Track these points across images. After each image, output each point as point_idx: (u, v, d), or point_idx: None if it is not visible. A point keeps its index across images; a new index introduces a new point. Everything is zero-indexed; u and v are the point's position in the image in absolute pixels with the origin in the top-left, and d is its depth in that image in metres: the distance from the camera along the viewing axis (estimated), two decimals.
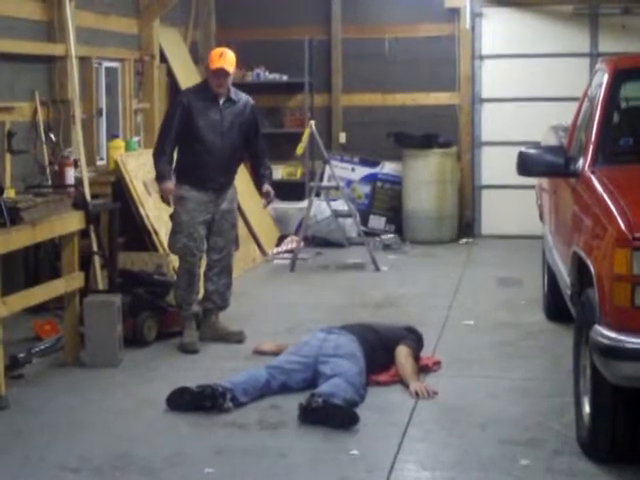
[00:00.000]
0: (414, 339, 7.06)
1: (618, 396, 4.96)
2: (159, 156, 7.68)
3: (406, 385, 6.53)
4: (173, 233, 7.80)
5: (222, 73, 7.64)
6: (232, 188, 7.93)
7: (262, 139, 8.03)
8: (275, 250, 11.71)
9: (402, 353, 6.78)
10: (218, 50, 7.83)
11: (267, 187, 7.95)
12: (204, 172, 7.66)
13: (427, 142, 12.45)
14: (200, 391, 6.13)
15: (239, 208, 9.09)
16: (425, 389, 6.42)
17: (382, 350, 6.83)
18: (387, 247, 11.99)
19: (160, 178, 7.69)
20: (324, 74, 13.27)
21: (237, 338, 7.79)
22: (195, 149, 7.66)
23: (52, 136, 8.96)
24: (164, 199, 7.75)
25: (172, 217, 7.85)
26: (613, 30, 12.33)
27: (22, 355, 7.12)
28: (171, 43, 11.93)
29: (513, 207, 12.39)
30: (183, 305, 7.77)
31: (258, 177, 8.12)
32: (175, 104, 7.85)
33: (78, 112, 9.00)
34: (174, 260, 8.83)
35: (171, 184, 7.64)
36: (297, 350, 6.72)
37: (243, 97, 7.91)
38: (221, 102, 7.73)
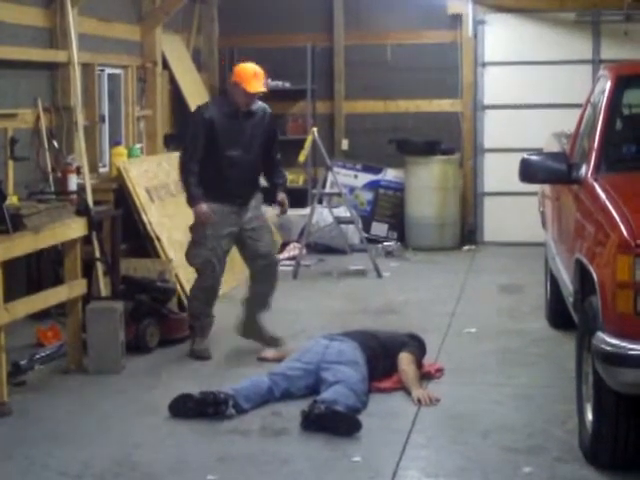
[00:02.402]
0: (416, 346, 7.06)
1: (620, 403, 4.95)
2: (188, 176, 7.48)
3: (408, 392, 6.52)
4: (194, 246, 7.60)
5: (257, 94, 7.55)
6: (256, 196, 7.79)
7: (277, 147, 7.93)
8: (278, 257, 11.69)
9: (404, 360, 6.78)
10: (250, 69, 7.59)
11: (282, 196, 7.87)
12: (228, 186, 7.50)
13: (429, 149, 12.44)
14: (202, 398, 6.13)
15: None
16: (427, 396, 6.42)
17: (384, 357, 6.83)
18: (389, 254, 11.98)
19: (193, 201, 7.48)
20: (326, 81, 13.28)
21: (276, 344, 7.73)
22: (218, 163, 7.48)
23: (55, 143, 8.97)
24: (200, 221, 7.48)
25: (193, 229, 7.65)
26: (615, 37, 12.33)
27: (24, 362, 7.13)
28: (174, 50, 11.95)
29: (515, 214, 12.37)
30: (201, 317, 7.68)
31: (273, 185, 7.95)
32: (197, 120, 7.56)
33: (80, 119, 9.01)
34: (176, 267, 8.85)
35: (205, 206, 7.42)
36: (299, 357, 6.72)
37: (260, 106, 7.72)
38: (242, 115, 7.57)
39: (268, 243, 7.81)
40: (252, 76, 7.50)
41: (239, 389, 6.29)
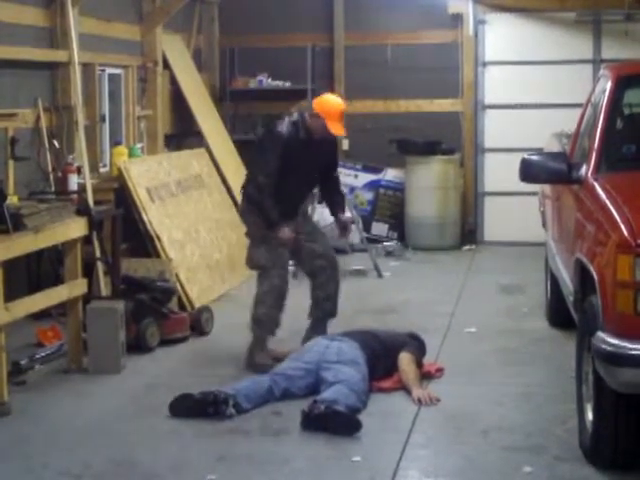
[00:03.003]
0: (416, 346, 7.06)
1: (620, 403, 4.95)
2: (266, 198, 7.26)
3: (409, 392, 6.52)
4: (255, 246, 7.40)
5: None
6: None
7: (337, 168, 7.84)
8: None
9: (405, 359, 6.78)
10: (337, 108, 7.38)
11: (346, 221, 7.80)
12: (285, 205, 7.31)
13: (430, 149, 12.44)
14: (203, 397, 6.13)
15: None
16: (427, 396, 6.42)
17: (385, 356, 6.83)
18: (390, 254, 11.99)
19: (275, 224, 7.25)
20: (326, 81, 13.26)
21: None
22: (282, 184, 7.26)
23: (55, 142, 8.97)
24: (283, 244, 7.29)
25: (250, 234, 7.50)
26: (616, 36, 12.33)
27: (25, 361, 7.14)
28: (174, 50, 11.94)
29: (516, 214, 12.38)
30: (267, 322, 7.43)
31: (332, 208, 7.77)
32: (277, 140, 7.33)
33: (81, 118, 9.00)
34: (177, 267, 8.85)
35: (289, 230, 7.26)
36: (300, 356, 6.72)
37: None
38: (314, 142, 7.38)
39: (325, 244, 7.63)
40: (338, 117, 7.31)
41: (239, 389, 6.29)
